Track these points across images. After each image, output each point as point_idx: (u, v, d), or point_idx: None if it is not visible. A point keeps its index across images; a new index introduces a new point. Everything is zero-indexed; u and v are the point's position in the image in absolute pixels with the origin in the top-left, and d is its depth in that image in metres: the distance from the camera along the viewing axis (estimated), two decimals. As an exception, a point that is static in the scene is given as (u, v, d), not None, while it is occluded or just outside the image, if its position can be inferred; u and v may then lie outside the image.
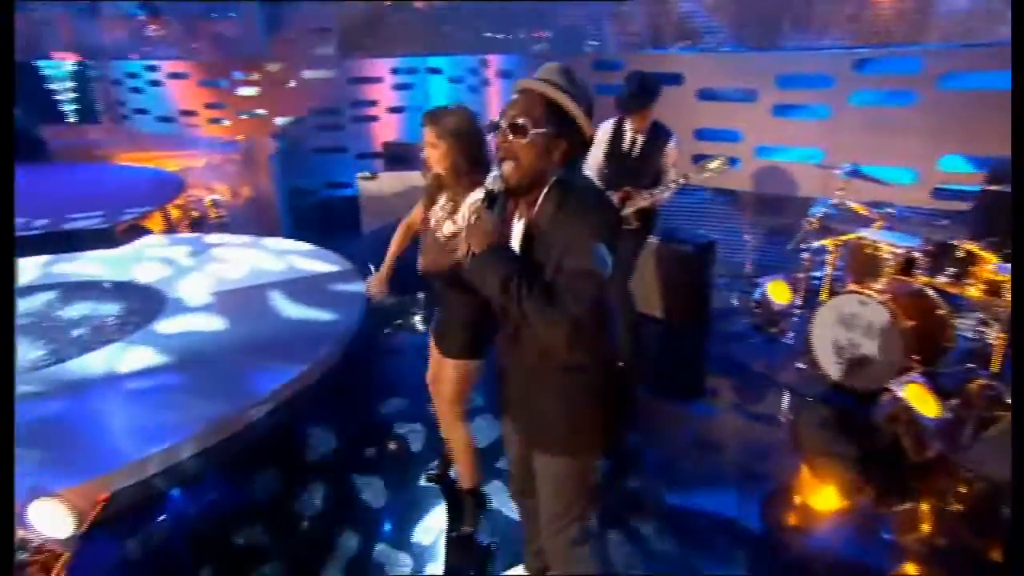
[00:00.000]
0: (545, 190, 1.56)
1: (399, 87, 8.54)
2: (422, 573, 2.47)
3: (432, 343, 2.60)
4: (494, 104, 7.20)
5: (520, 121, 1.49)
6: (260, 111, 8.82)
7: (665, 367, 4.23)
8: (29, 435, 3.14)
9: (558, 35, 7.23)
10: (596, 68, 5.99)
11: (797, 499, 2.94)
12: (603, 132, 3.63)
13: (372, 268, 2.71)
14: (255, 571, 2.52)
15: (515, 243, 1.62)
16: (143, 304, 4.90)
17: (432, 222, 2.36)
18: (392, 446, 3.29)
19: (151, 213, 7.43)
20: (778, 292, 4.40)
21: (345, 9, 8.37)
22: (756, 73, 5.06)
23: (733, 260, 5.59)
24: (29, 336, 4.41)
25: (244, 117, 8.93)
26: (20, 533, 2.35)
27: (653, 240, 4.35)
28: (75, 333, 4.44)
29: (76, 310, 4.89)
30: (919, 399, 3.06)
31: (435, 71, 8.41)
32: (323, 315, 4.61)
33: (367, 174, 6.91)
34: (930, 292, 3.50)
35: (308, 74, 8.64)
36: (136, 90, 9.64)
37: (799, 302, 4.38)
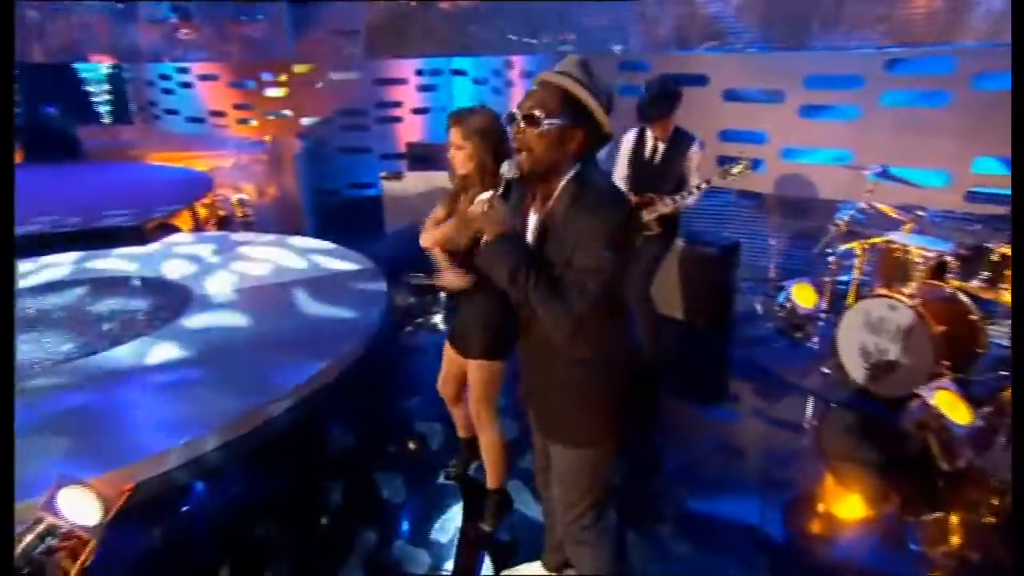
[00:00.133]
0: (562, 184, 1.56)
1: (424, 88, 8.60)
2: (440, 571, 2.47)
3: (447, 345, 2.60)
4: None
5: (534, 112, 1.51)
6: (286, 112, 8.95)
7: (688, 370, 4.18)
8: (59, 425, 3.23)
9: (583, 37, 7.21)
10: (621, 69, 5.96)
11: (821, 507, 2.88)
12: (626, 141, 3.65)
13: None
14: (274, 564, 2.54)
15: (529, 235, 1.64)
16: (170, 300, 5.00)
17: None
18: (412, 444, 3.30)
19: (180, 211, 7.58)
20: (803, 296, 4.33)
21: (371, 10, 8.44)
22: (783, 73, 4.98)
23: (757, 264, 5.51)
24: (61, 329, 4.52)
25: (271, 118, 9.07)
26: (49, 519, 2.40)
27: (678, 242, 4.31)
28: (105, 327, 4.54)
29: (106, 305, 4.99)
30: (950, 406, 2.97)
31: (459, 72, 8.45)
32: (345, 313, 4.65)
33: (391, 173, 6.96)
34: (962, 297, 3.41)
35: (334, 75, 8.74)
36: (168, 91, 9.85)
37: (825, 306, 4.31)
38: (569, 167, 1.56)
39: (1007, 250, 3.23)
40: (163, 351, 4.08)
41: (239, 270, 5.67)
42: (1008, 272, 3.23)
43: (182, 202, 7.76)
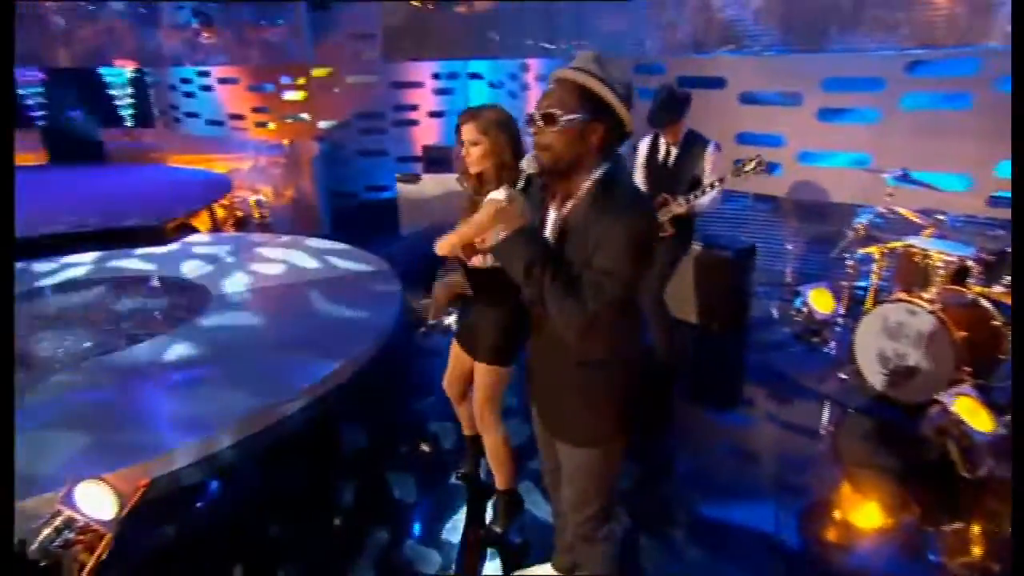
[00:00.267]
0: (587, 184, 1.55)
1: (440, 92, 8.65)
2: (450, 572, 2.46)
3: (454, 343, 2.60)
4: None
5: (552, 111, 1.50)
6: (304, 115, 9.04)
7: (702, 374, 4.15)
8: (78, 420, 3.28)
9: (600, 41, 7.20)
10: (637, 72, 5.94)
11: (837, 515, 2.83)
12: (642, 147, 3.71)
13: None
14: (286, 563, 2.55)
15: (547, 232, 1.63)
16: (188, 299, 5.06)
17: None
18: (424, 444, 3.31)
19: (198, 212, 7.68)
20: (820, 300, 4.28)
21: (388, 14, 8.51)
22: (801, 76, 4.94)
23: (774, 268, 5.46)
24: (81, 327, 4.60)
25: (289, 121, 9.16)
26: (67, 513, 2.43)
27: (694, 246, 4.29)
28: (124, 325, 4.61)
29: (126, 303, 5.07)
30: (971, 413, 2.91)
31: (476, 76, 8.49)
32: (359, 314, 4.68)
33: (407, 176, 7.00)
34: (984, 302, 3.35)
35: (352, 79, 8.82)
36: (189, 95, 10.00)
37: (842, 311, 4.26)
38: (592, 164, 1.55)
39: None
40: (180, 350, 4.13)
41: (255, 270, 5.73)
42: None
43: (201, 203, 7.87)
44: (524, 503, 2.69)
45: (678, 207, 3.45)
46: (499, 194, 2.15)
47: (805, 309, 4.34)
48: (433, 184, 6.69)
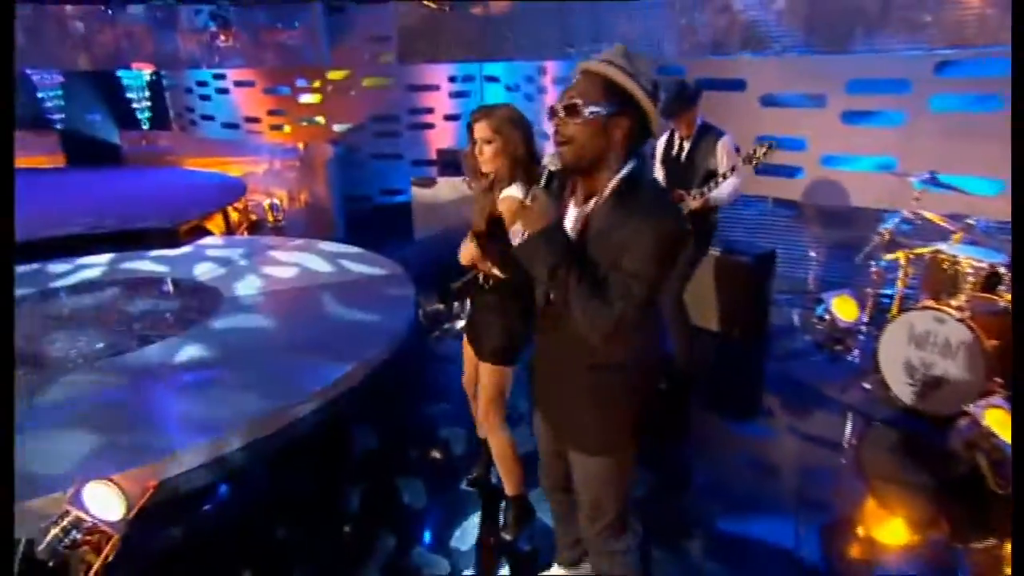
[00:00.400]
0: (612, 183, 1.53)
1: (456, 95, 8.68)
2: (458, 579, 2.45)
3: (465, 343, 2.60)
4: (549, 113, 7.20)
5: (575, 102, 1.48)
6: (319, 118, 9.13)
7: (721, 383, 4.09)
8: (88, 421, 3.31)
9: (615, 43, 7.19)
10: (656, 73, 5.92)
11: (860, 531, 2.77)
12: (659, 144, 3.75)
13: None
14: (294, 565, 2.55)
15: (568, 231, 1.59)
16: (200, 301, 5.11)
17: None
18: (435, 449, 3.30)
19: (212, 215, 7.78)
20: (844, 308, 4.22)
21: (404, 15, 8.57)
22: (824, 77, 4.88)
23: (796, 275, 5.39)
24: (94, 328, 4.67)
25: (304, 124, 9.26)
26: (74, 513, 2.45)
27: (712, 252, 4.26)
28: (136, 326, 4.66)
29: (139, 305, 5.14)
30: (1002, 425, 2.84)
31: (492, 79, 8.51)
32: (372, 317, 4.69)
33: (422, 179, 7.03)
34: (1016, 311, 3.27)
35: (367, 82, 8.90)
36: (204, 97, 10.15)
37: (866, 319, 4.19)
38: (616, 161, 1.53)
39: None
40: (191, 351, 4.17)
41: (268, 273, 5.78)
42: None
43: (215, 206, 7.97)
44: (535, 510, 2.66)
45: (692, 201, 3.45)
46: (515, 190, 2.15)
47: (828, 317, 4.28)
48: (448, 188, 6.71)
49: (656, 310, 1.72)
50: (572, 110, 1.48)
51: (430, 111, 8.76)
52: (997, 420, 2.85)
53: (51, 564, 2.32)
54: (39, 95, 11.86)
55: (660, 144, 3.74)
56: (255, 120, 9.56)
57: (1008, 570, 2.51)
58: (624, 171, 1.53)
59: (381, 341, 4.28)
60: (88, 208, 7.88)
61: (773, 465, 3.29)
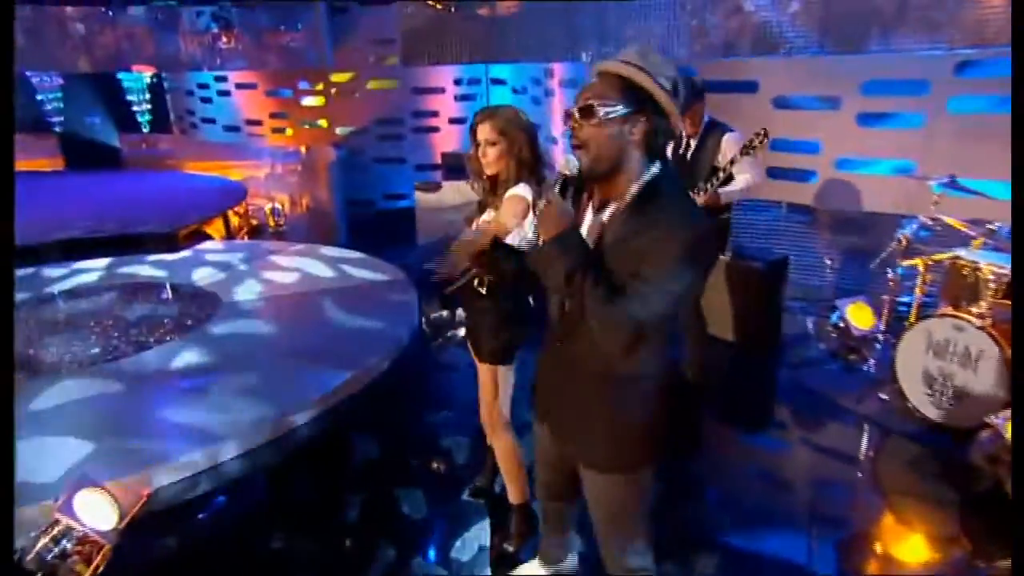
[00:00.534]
0: (633, 188, 1.49)
1: (461, 97, 8.70)
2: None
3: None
4: (557, 116, 7.22)
5: (591, 103, 1.45)
6: (321, 121, 9.17)
7: (733, 393, 4.06)
8: (80, 427, 3.31)
9: (623, 45, 7.19)
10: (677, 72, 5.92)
11: (877, 547, 2.72)
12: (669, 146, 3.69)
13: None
14: (289, 578, 2.54)
15: (585, 238, 1.56)
16: (199, 307, 5.12)
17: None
18: (437, 458, 3.28)
19: (212, 220, 7.81)
20: (859, 316, 4.18)
21: (409, 17, 8.61)
22: (839, 79, 4.85)
23: (810, 282, 5.36)
24: (89, 333, 4.68)
25: (306, 127, 9.30)
26: (65, 522, 2.44)
27: (722, 258, 4.24)
28: (133, 332, 4.67)
29: (136, 310, 5.15)
30: (1025, 439, 2.79)
31: (498, 82, 8.53)
32: (373, 324, 4.68)
33: (426, 184, 7.04)
34: (1040, 319, 3.23)
35: (371, 84, 8.93)
36: (206, 100, 10.22)
37: (882, 327, 4.15)
38: (636, 166, 1.50)
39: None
40: (188, 357, 4.17)
41: (268, 278, 5.79)
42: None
43: (215, 211, 8.00)
44: (540, 520, 2.64)
45: (698, 199, 3.42)
46: (521, 190, 2.15)
47: (842, 325, 4.25)
48: (452, 192, 6.72)
49: (673, 319, 1.69)
50: (588, 112, 1.45)
51: (435, 114, 8.78)
52: (1020, 432, 2.81)
53: (39, 575, 2.31)
54: (38, 97, 11.98)
55: (668, 147, 3.73)
56: (257, 123, 9.62)
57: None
58: (646, 176, 1.49)
59: (383, 348, 4.26)
60: (87, 212, 7.93)
61: (786, 478, 3.26)
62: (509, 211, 2.12)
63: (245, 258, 6.42)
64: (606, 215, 1.54)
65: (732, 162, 3.37)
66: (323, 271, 5.98)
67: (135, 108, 12.16)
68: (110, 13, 10.19)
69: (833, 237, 5.39)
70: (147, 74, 11.66)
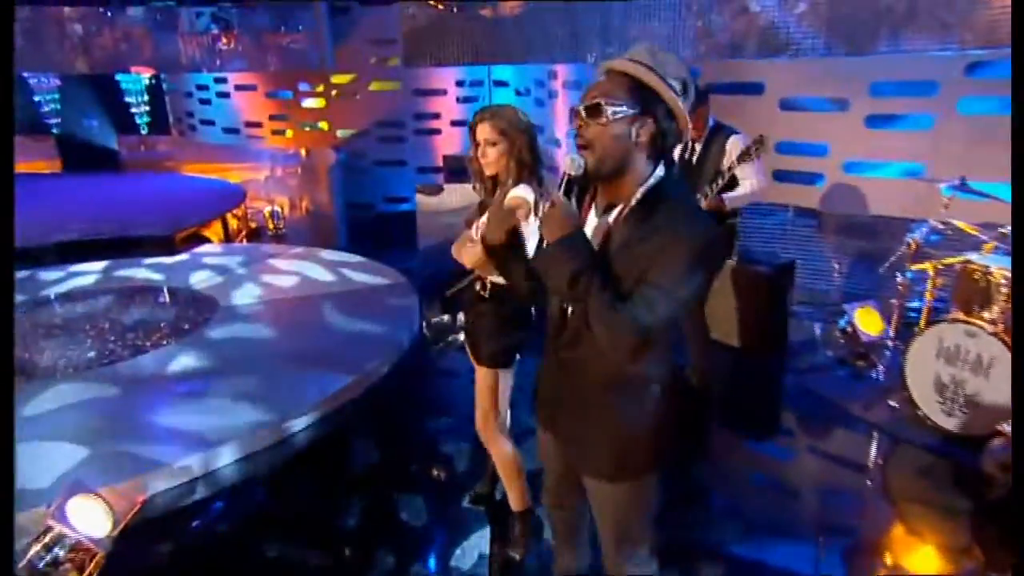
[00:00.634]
0: (640, 191, 1.48)
1: (464, 99, 8.72)
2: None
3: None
4: (561, 118, 7.22)
5: (597, 102, 1.44)
6: (322, 123, 9.19)
7: (738, 400, 4.04)
8: (75, 432, 3.31)
9: (627, 46, 7.20)
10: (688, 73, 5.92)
11: (888, 558, 2.70)
12: (676, 151, 3.68)
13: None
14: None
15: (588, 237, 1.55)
16: (196, 310, 5.12)
17: (477, 231, 2.35)
18: (437, 465, 3.27)
19: (211, 222, 7.83)
20: (868, 321, 4.16)
21: (410, 18, 8.64)
22: (847, 80, 4.85)
23: (817, 287, 5.35)
24: (85, 337, 4.68)
25: (307, 129, 9.32)
26: (57, 528, 2.44)
27: (730, 261, 4.23)
28: (129, 335, 4.67)
29: (132, 313, 5.15)
30: (1039, 447, 2.77)
31: (501, 83, 8.55)
32: (373, 328, 4.68)
33: (427, 187, 7.04)
34: (1053, 325, 3.21)
35: (372, 86, 8.96)
36: (205, 101, 10.26)
37: (891, 332, 4.13)
38: (642, 168, 1.49)
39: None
40: (184, 361, 4.17)
41: (267, 282, 5.79)
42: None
43: (214, 213, 8.02)
44: (543, 525, 2.63)
45: (701, 203, 3.41)
46: (522, 190, 2.14)
47: (850, 330, 4.23)
48: (453, 195, 6.72)
49: (677, 325, 1.67)
50: (594, 111, 1.44)
51: (437, 116, 8.79)
52: (1033, 440, 2.79)
53: (31, 582, 2.31)
54: (36, 99, 12.04)
55: (676, 151, 3.72)
56: (256, 125, 9.65)
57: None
58: (652, 178, 1.48)
59: (382, 353, 4.26)
60: (84, 214, 7.96)
61: (793, 487, 3.24)
62: (509, 211, 2.12)
63: (243, 261, 6.43)
64: (611, 217, 1.53)
65: (730, 169, 3.37)
66: (323, 275, 5.98)
67: (133, 110, 12.23)
68: (108, 14, 10.25)
69: (841, 241, 5.38)
70: (146, 75, 11.73)
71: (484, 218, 2.33)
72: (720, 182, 3.41)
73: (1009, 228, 3.78)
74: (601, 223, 1.56)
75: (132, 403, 3.67)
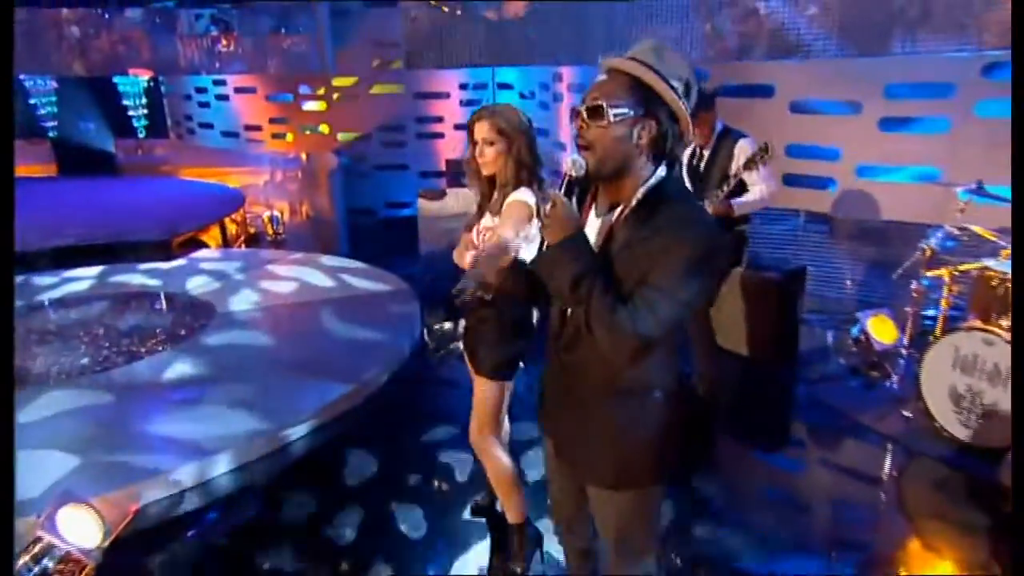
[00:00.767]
0: (640, 192, 1.48)
1: (467, 103, 8.75)
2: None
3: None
4: (566, 121, 7.24)
5: (598, 103, 1.44)
6: (323, 127, 9.23)
7: (747, 409, 4.02)
8: (66, 440, 3.31)
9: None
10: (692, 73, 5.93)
11: (902, 573, 2.67)
12: (684, 156, 3.71)
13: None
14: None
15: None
16: (193, 316, 5.14)
17: (478, 235, 2.34)
18: (437, 475, 3.26)
19: (208, 227, 7.86)
20: (881, 329, 4.14)
21: (412, 20, 8.69)
22: (860, 82, 4.84)
23: (828, 294, 5.33)
24: (79, 343, 4.70)
25: (307, 132, 9.36)
26: (47, 539, 2.44)
27: (739, 269, 4.22)
28: (124, 342, 4.69)
29: (128, 319, 5.17)
30: (1059, 459, 2.75)
31: (505, 86, 8.58)
32: (374, 335, 4.68)
33: (430, 192, 7.05)
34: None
35: (374, 89, 9.00)
36: (203, 104, 10.32)
37: (906, 341, 4.11)
38: (643, 169, 1.49)
39: None
40: (180, 368, 4.18)
41: (265, 288, 5.81)
42: None
43: (212, 218, 8.06)
44: (543, 536, 2.61)
45: (709, 208, 3.40)
46: (523, 195, 2.14)
47: (863, 339, 4.21)
48: (456, 200, 6.73)
49: (682, 330, 1.67)
50: (595, 112, 1.44)
51: (439, 120, 8.82)
52: (1053, 452, 2.77)
53: (20, 594, 2.30)
54: (32, 102, 12.15)
55: (685, 156, 3.71)
56: (256, 128, 9.69)
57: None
58: (652, 179, 1.49)
59: (382, 360, 4.26)
60: (80, 219, 8.00)
61: (804, 499, 3.22)
62: (512, 218, 2.12)
63: (242, 267, 6.45)
64: (612, 220, 1.53)
65: (736, 175, 3.38)
66: (322, 281, 6.00)
67: (131, 113, 12.34)
68: (106, 16, 10.35)
69: (853, 247, 5.36)
70: (144, 78, 11.82)
71: (485, 222, 2.34)
72: (727, 187, 3.41)
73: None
74: (602, 225, 1.56)
75: (126, 410, 3.68)
